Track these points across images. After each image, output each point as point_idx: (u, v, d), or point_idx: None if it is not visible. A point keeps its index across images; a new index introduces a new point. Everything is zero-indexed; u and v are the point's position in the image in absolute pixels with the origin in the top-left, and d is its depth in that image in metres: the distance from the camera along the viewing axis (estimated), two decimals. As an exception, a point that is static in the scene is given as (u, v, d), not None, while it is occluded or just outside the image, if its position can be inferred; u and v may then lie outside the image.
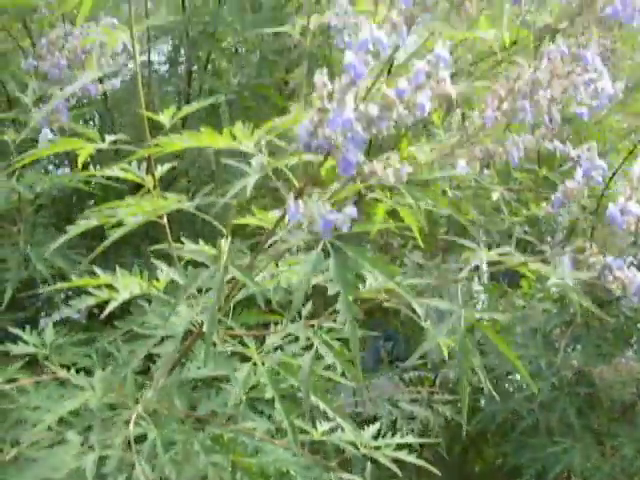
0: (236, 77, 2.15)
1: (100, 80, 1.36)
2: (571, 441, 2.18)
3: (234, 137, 1.01)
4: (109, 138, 1.13)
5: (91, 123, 2.36)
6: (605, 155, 2.77)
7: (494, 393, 1.22)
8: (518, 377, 2.56)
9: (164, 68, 2.24)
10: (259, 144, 0.99)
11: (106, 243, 0.97)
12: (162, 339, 1.08)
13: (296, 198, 0.92)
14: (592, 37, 0.84)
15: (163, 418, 1.21)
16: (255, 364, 1.23)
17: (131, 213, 0.97)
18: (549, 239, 2.63)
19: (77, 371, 1.30)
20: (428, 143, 1.09)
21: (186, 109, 1.15)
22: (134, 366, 1.06)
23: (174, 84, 2.11)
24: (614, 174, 2.61)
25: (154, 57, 2.24)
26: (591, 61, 0.82)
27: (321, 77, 0.68)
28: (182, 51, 2.08)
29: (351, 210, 0.77)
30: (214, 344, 1.25)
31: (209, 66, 2.11)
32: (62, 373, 1.34)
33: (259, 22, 1.95)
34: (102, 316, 1.16)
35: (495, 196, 2.29)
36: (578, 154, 1.22)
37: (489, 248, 2.85)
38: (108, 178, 1.23)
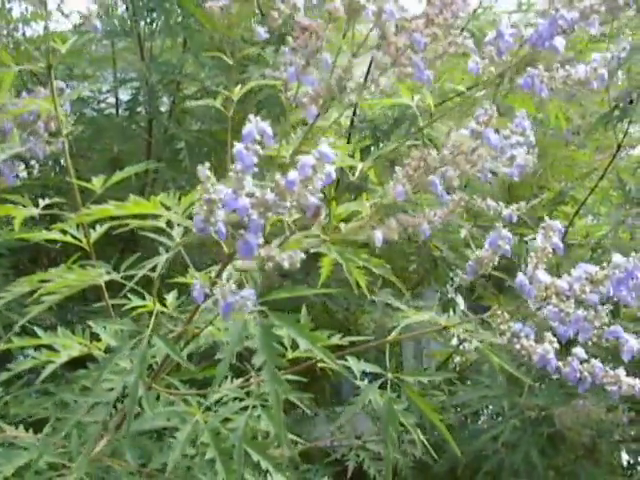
0: (197, 123, 2.17)
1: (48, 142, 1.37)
2: (534, 481, 2.18)
3: (163, 205, 1.03)
4: (42, 203, 1.15)
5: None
6: (572, 189, 2.81)
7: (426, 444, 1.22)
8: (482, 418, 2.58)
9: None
10: (186, 212, 1.01)
11: (32, 314, 0.98)
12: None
13: (225, 264, 0.94)
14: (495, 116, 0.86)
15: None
16: (197, 422, 1.24)
17: (57, 286, 0.98)
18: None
19: (33, 423, 1.31)
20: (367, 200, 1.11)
21: (117, 176, 1.16)
22: (65, 432, 1.07)
23: (134, 131, 2.13)
24: (577, 211, 2.65)
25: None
26: (492, 140, 0.85)
27: (204, 170, 0.69)
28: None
29: (249, 292, 0.78)
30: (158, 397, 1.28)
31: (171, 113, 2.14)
32: (8, 432, 1.34)
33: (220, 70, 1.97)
34: (37, 381, 1.17)
35: (463, 233, 2.31)
36: (509, 212, 1.25)
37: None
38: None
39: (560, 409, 2.05)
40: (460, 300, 3.18)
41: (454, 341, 2.77)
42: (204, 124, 2.16)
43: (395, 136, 1.92)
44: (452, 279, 2.74)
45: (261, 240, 0.73)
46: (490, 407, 2.51)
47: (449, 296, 2.80)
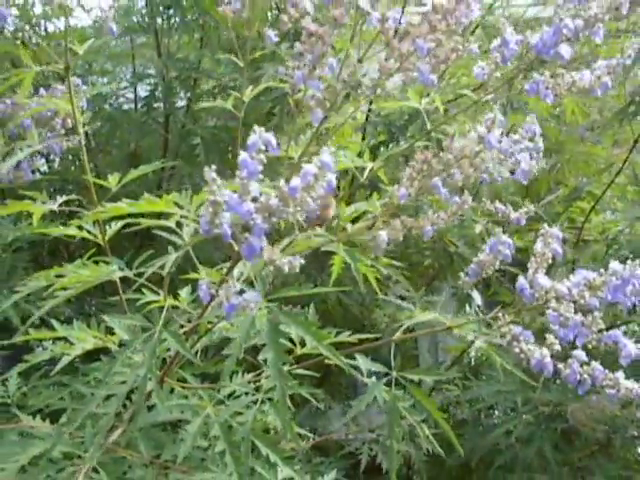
0: (213, 119, 2.19)
1: (66, 138, 1.40)
2: (549, 476, 2.19)
3: (176, 204, 1.05)
4: (59, 199, 1.18)
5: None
6: (589, 184, 2.80)
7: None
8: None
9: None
10: (197, 211, 1.03)
11: (46, 308, 1.01)
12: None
13: (236, 261, 0.97)
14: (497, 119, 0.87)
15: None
16: (208, 415, 1.26)
17: (70, 281, 1.00)
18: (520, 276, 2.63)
19: (50, 414, 1.34)
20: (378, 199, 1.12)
21: (132, 174, 1.19)
22: (78, 423, 1.09)
23: (151, 127, 2.16)
24: (594, 206, 2.64)
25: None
26: (494, 144, 0.86)
27: (210, 172, 0.72)
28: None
29: (252, 295, 0.80)
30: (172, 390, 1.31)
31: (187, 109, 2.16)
32: (25, 422, 1.37)
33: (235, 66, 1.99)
34: (52, 374, 1.20)
35: (478, 229, 2.31)
36: (517, 216, 1.26)
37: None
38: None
39: (574, 405, 2.05)
40: (476, 295, 3.18)
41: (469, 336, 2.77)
42: (220, 120, 2.18)
43: (410, 131, 1.93)
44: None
45: (264, 243, 0.75)
46: (504, 402, 2.51)
47: (465, 291, 2.80)
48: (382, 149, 1.21)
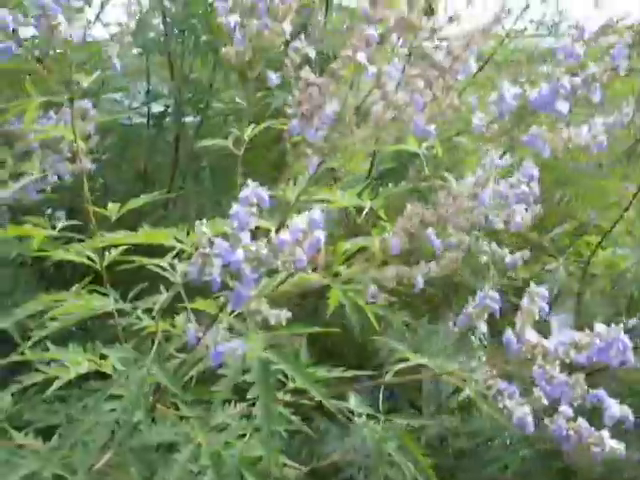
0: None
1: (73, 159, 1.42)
2: (545, 516, 2.17)
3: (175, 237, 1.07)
4: (59, 225, 1.19)
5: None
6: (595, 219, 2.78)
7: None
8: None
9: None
10: (194, 245, 1.04)
11: (34, 339, 1.02)
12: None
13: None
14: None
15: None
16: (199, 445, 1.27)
17: (66, 310, 1.02)
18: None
19: (44, 430, 1.35)
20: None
21: (132, 203, 1.20)
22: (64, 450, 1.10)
23: (161, 146, 2.18)
24: (601, 240, 2.63)
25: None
26: (487, 200, 0.87)
27: (200, 226, 0.73)
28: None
29: (237, 343, 0.81)
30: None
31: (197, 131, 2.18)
32: (17, 439, 1.38)
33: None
34: (46, 394, 1.21)
35: (483, 260, 2.31)
36: (513, 259, 1.27)
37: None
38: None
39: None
40: (482, 325, 3.17)
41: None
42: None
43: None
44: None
45: (253, 293, 0.76)
46: (503, 436, 2.49)
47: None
48: (381, 190, 1.21)
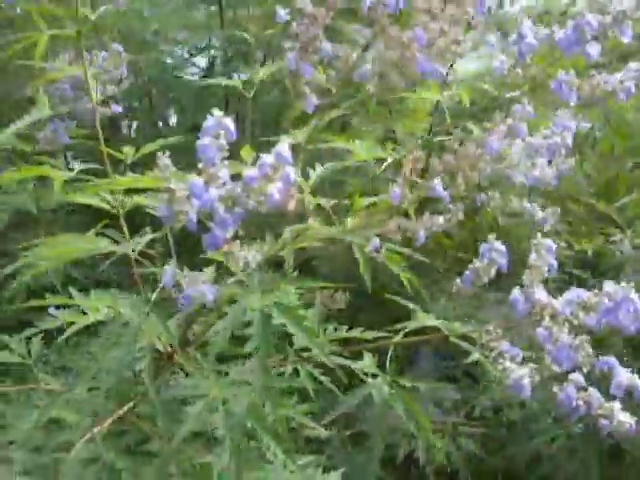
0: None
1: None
2: (590, 493, 2.09)
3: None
4: (77, 167, 1.17)
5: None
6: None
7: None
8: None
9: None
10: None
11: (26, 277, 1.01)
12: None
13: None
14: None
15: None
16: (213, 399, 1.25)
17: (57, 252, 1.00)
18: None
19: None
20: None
21: (148, 147, 1.17)
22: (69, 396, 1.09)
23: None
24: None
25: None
26: (496, 146, 0.80)
27: (163, 158, 0.68)
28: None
29: (207, 287, 0.78)
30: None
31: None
32: (42, 384, 1.39)
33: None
34: (61, 339, 1.20)
35: (545, 228, 2.21)
36: (543, 217, 1.20)
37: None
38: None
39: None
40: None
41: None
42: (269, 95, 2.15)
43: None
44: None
45: (229, 234, 0.71)
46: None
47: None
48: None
